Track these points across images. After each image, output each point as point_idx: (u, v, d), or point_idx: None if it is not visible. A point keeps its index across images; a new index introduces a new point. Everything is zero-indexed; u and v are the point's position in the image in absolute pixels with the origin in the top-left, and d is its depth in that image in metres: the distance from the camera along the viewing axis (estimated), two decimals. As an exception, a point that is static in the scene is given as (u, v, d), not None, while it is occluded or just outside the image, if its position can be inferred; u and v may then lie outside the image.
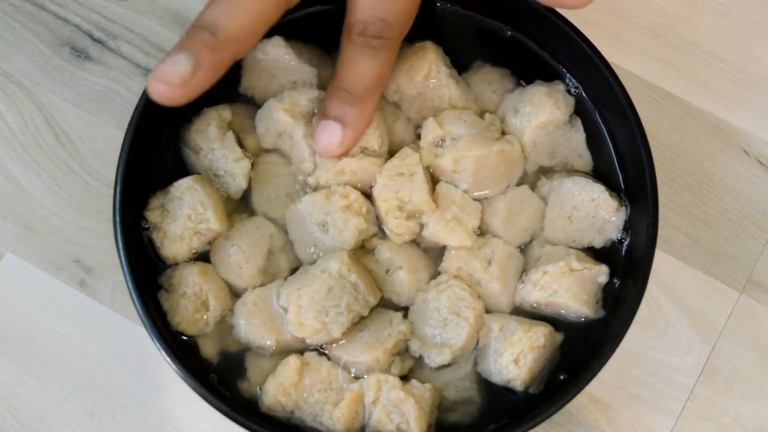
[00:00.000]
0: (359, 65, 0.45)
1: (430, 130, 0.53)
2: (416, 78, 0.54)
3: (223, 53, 0.41)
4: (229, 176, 0.53)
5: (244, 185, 0.53)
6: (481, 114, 0.55)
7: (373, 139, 0.51)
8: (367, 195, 0.53)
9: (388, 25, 0.45)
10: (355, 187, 0.52)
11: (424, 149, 0.53)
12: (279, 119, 0.52)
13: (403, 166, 0.52)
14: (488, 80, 0.57)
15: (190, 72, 0.39)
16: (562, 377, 0.52)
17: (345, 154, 0.51)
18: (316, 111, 0.52)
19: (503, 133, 0.55)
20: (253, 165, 0.54)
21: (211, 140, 0.53)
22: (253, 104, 0.55)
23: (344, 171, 0.52)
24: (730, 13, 0.68)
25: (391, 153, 0.53)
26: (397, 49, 0.48)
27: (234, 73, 0.55)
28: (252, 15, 0.42)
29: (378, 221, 0.53)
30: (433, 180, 0.54)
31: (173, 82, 0.39)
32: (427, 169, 0.53)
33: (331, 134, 0.46)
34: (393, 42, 0.46)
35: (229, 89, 0.55)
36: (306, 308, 0.50)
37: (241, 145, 0.54)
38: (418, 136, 0.54)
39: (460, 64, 0.56)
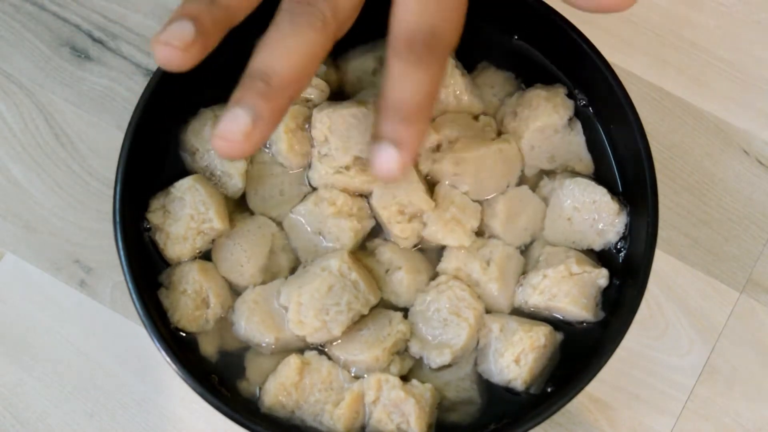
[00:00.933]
0: (408, 81, 0.42)
1: (426, 136, 0.53)
2: None
3: (279, 100, 0.39)
4: (225, 176, 0.53)
5: (240, 185, 0.53)
6: (476, 117, 0.55)
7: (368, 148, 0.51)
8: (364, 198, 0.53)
9: (437, 36, 0.42)
10: (350, 193, 0.52)
11: (421, 156, 0.53)
12: None
13: None
14: (490, 83, 0.57)
15: (251, 126, 0.38)
16: (549, 389, 0.52)
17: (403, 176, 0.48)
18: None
19: (499, 133, 0.55)
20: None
21: (207, 141, 0.53)
22: None
23: (336, 186, 0.52)
24: (730, 13, 0.68)
25: None
26: (447, 65, 0.45)
27: (237, 67, 0.54)
28: (302, 55, 0.40)
29: (381, 228, 0.53)
30: (434, 185, 0.53)
31: (237, 139, 0.38)
32: (425, 176, 0.53)
33: (389, 159, 0.43)
34: (443, 54, 0.43)
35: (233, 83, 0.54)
36: (306, 306, 0.50)
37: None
38: None
39: (463, 66, 0.56)
